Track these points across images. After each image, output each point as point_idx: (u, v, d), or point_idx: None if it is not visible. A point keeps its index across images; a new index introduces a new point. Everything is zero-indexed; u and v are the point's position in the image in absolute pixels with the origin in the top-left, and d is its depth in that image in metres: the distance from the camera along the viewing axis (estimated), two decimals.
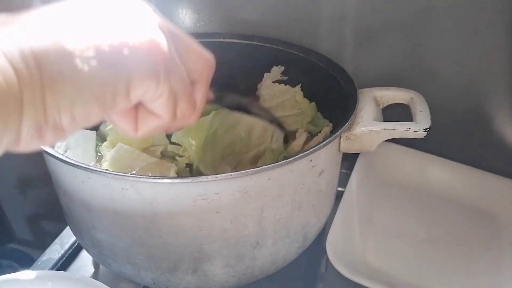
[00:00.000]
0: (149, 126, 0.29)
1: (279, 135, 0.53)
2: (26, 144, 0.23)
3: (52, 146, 0.50)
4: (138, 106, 0.29)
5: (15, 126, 0.21)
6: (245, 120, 0.52)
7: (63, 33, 0.23)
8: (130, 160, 0.48)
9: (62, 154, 0.40)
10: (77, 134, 0.52)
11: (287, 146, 0.54)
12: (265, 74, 0.61)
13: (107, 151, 0.50)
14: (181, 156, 0.51)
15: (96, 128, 0.54)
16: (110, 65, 0.24)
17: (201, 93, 0.31)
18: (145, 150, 0.51)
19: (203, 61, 0.31)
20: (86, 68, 0.23)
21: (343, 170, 0.57)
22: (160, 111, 0.28)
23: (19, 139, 0.22)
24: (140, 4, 0.28)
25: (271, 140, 0.53)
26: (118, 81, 0.24)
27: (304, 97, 0.60)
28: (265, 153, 0.51)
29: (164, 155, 0.52)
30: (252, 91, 0.62)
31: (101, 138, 0.53)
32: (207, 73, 0.32)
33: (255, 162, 0.51)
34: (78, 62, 0.22)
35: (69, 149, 0.51)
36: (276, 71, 0.61)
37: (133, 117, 0.29)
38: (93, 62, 0.23)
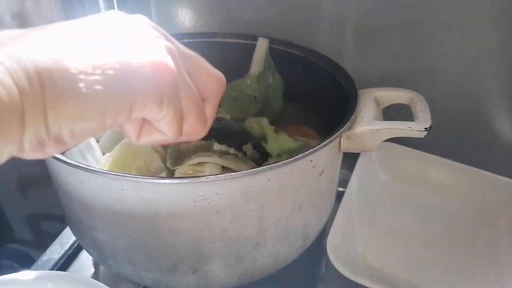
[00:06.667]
0: (151, 139, 0.30)
1: None
2: (29, 155, 0.24)
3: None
4: (144, 118, 0.28)
5: (17, 140, 0.22)
6: None
7: (67, 53, 0.23)
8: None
9: (61, 155, 0.40)
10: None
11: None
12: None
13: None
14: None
15: None
16: (114, 87, 0.24)
17: (211, 109, 0.32)
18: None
19: (213, 80, 0.32)
20: (88, 90, 0.23)
21: (343, 170, 0.57)
22: (163, 129, 0.28)
23: (22, 150, 0.23)
24: (147, 25, 0.28)
25: None
26: (121, 103, 0.24)
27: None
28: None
29: None
30: None
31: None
32: (218, 91, 0.32)
33: None
34: (80, 84, 0.23)
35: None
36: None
37: (138, 126, 0.29)
38: (96, 84, 0.23)
